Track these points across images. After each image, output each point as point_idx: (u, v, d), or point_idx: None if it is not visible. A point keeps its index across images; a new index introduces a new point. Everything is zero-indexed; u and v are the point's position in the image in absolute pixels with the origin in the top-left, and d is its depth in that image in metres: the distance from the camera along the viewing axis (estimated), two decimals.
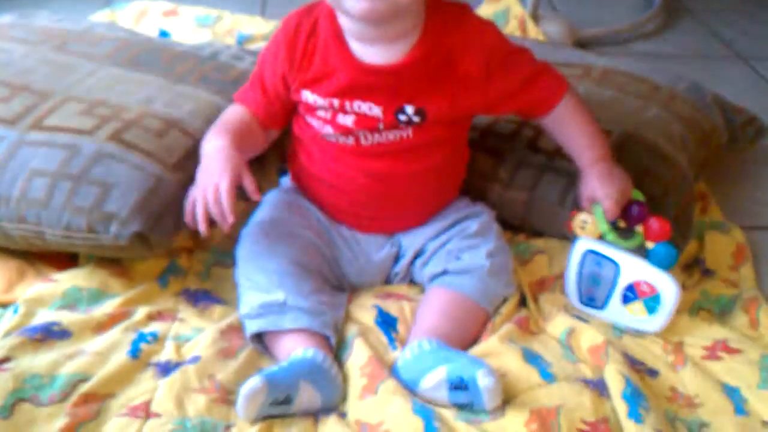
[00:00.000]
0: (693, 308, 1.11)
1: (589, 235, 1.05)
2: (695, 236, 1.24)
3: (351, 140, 1.04)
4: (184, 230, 1.11)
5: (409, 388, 0.92)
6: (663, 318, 1.02)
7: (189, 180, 1.07)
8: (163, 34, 1.82)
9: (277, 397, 0.88)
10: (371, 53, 1.00)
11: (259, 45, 1.77)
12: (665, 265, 1.02)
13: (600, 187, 1.05)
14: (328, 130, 1.05)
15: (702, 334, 1.04)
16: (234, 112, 1.10)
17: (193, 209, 0.99)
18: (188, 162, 1.11)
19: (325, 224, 1.11)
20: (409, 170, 1.06)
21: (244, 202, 1.24)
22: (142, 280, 1.10)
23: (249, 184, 0.98)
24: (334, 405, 0.93)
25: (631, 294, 1.03)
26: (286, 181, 1.20)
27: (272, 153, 1.35)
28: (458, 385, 0.88)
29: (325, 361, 0.94)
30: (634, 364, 0.98)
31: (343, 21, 1.00)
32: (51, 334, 0.98)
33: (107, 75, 1.27)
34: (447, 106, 1.03)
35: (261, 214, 1.11)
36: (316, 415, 0.91)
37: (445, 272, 1.07)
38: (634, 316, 1.03)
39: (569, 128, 1.10)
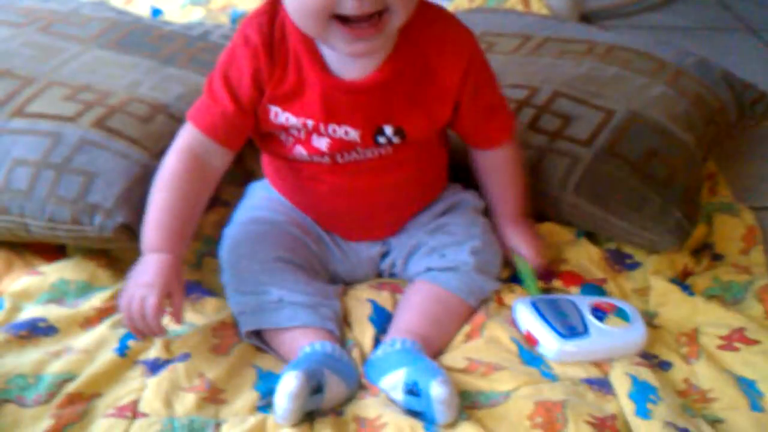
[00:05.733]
0: (704, 295, 1.06)
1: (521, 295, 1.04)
2: (704, 219, 1.19)
3: (326, 159, 0.97)
4: None
5: (372, 384, 0.90)
6: (640, 323, 0.97)
7: None
8: (156, 12, 1.76)
9: (313, 386, 0.83)
10: (347, 65, 0.92)
11: None
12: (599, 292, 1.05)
13: (524, 242, 1.06)
14: (300, 150, 0.97)
15: (719, 321, 1.00)
16: (178, 166, 0.95)
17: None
18: None
19: (311, 224, 1.06)
20: (390, 183, 1.01)
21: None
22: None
23: (176, 305, 0.90)
24: (354, 393, 0.89)
25: (600, 313, 0.98)
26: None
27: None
28: (412, 390, 0.85)
29: (335, 351, 0.91)
30: (645, 357, 0.95)
31: None
32: (37, 331, 0.94)
33: (93, 58, 1.23)
34: (426, 124, 0.97)
35: (243, 214, 1.06)
36: (311, 415, 0.86)
37: (428, 270, 1.03)
38: (617, 327, 0.96)
39: (502, 175, 1.08)
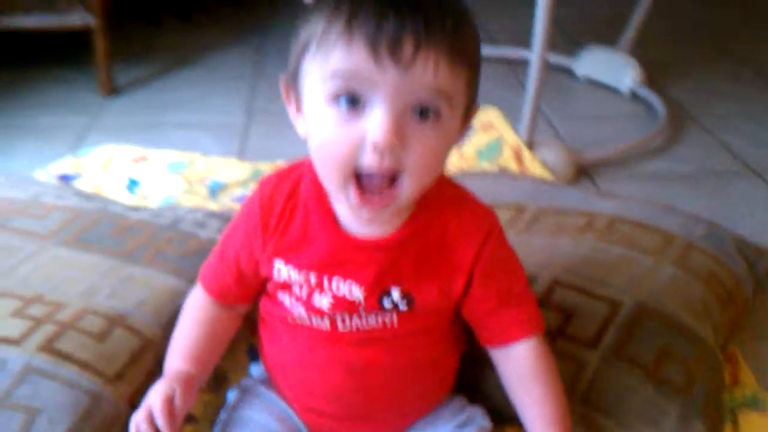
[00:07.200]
0: None
1: None
2: (728, 418, 1.06)
3: (326, 323, 0.88)
4: None
5: None
6: None
7: (135, 392, 0.93)
8: (133, 183, 1.69)
9: None
10: (359, 225, 0.86)
11: (234, 194, 1.65)
12: None
13: None
14: (301, 311, 0.89)
15: None
16: (194, 306, 0.96)
17: None
18: (133, 368, 0.97)
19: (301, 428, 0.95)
20: (393, 362, 0.90)
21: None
22: None
23: (177, 404, 0.83)
24: None
25: None
26: (258, 370, 1.03)
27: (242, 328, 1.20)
28: None
29: None
30: None
31: None
32: None
33: (49, 259, 1.13)
34: (436, 295, 0.88)
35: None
36: None
37: None
38: None
39: (532, 384, 0.91)
